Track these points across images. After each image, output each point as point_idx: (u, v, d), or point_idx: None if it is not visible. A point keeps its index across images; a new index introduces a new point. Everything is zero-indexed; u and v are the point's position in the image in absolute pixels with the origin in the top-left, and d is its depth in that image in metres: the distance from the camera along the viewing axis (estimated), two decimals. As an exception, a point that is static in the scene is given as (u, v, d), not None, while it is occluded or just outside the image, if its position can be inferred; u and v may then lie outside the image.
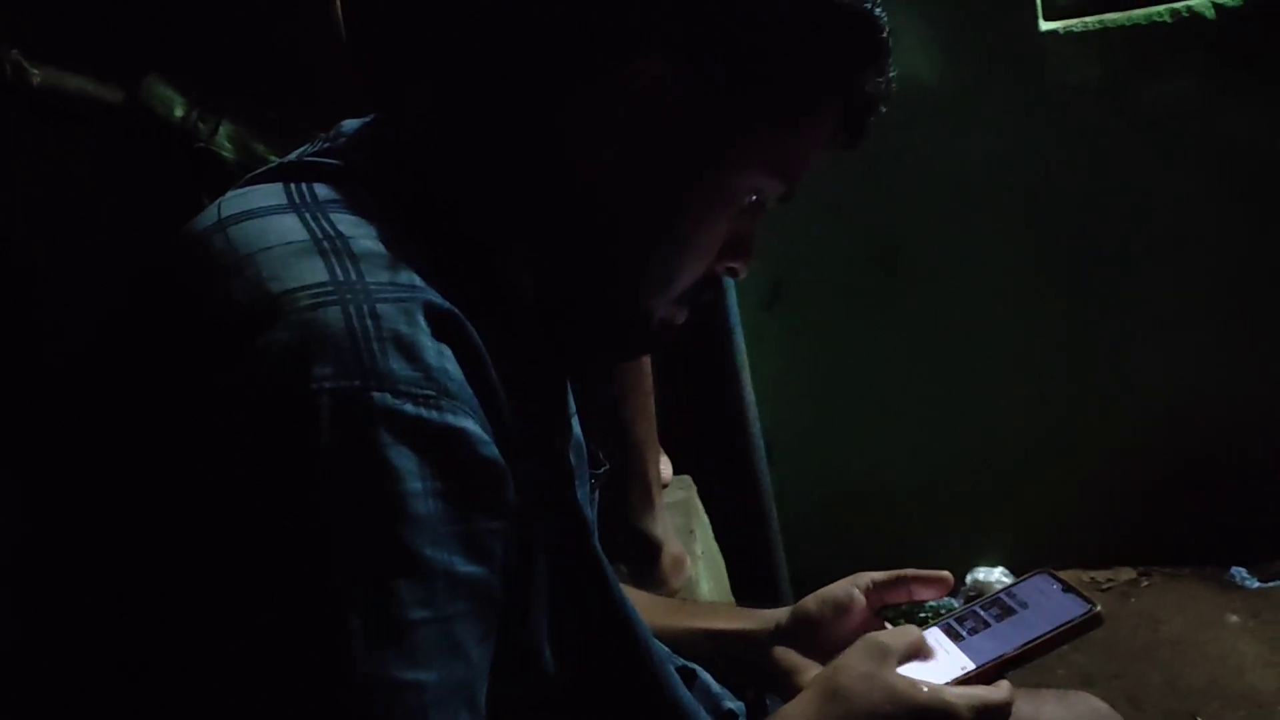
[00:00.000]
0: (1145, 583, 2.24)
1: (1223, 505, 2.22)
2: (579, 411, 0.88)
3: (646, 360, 1.41)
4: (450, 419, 0.58)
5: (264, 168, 0.73)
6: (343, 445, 0.56)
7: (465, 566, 0.58)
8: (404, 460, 0.56)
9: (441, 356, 0.59)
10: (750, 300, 2.10)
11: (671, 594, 1.44)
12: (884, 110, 0.76)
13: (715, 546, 1.84)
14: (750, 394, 2.04)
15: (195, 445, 0.58)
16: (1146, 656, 2.02)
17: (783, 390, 2.20)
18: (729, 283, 1.96)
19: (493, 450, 0.60)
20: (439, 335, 0.60)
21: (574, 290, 0.74)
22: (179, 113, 1.28)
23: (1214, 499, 2.22)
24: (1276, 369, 2.18)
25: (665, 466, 1.75)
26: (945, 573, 0.96)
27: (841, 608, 0.95)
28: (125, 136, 1.28)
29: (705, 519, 1.83)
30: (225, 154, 1.28)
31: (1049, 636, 0.87)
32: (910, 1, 1.98)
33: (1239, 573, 2.21)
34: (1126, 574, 2.26)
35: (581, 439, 0.86)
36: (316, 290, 0.59)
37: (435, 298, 0.61)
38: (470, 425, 0.59)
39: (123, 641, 0.61)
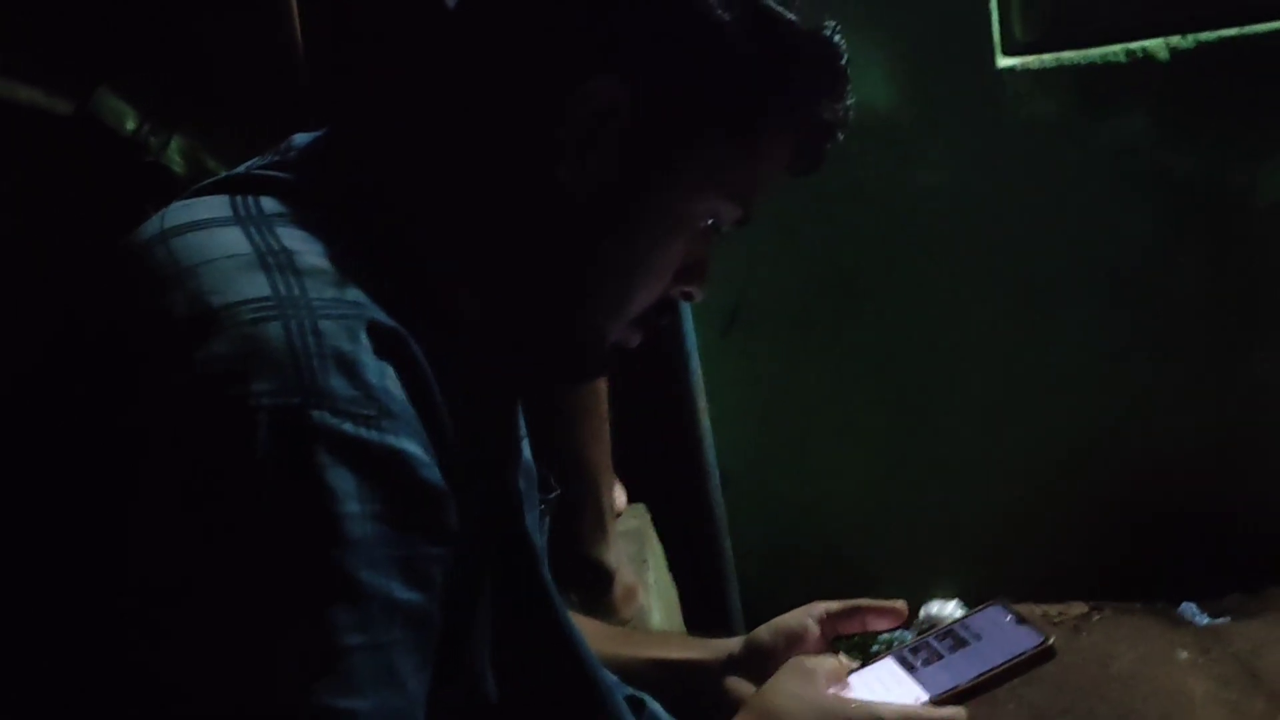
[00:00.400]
0: (1096, 617, 2.25)
1: (1173, 541, 2.24)
2: (531, 436, 0.87)
3: (601, 386, 1.40)
4: (391, 440, 0.57)
5: (210, 179, 0.72)
6: (279, 463, 0.54)
7: (403, 593, 0.57)
8: (342, 481, 0.55)
9: (384, 376, 0.58)
10: (707, 327, 2.10)
11: (623, 623, 1.43)
12: (841, 138, 0.76)
13: (668, 576, 1.83)
14: (706, 422, 2.04)
15: (132, 458, 0.56)
16: (1097, 692, 2.02)
17: (738, 418, 2.19)
18: (685, 309, 1.96)
19: (434, 474, 0.59)
20: (382, 354, 0.59)
21: (526, 313, 0.73)
22: (130, 125, 1.27)
23: (1165, 534, 2.24)
24: (1227, 406, 2.21)
25: (619, 494, 1.74)
26: (899, 603, 0.96)
27: (795, 638, 0.95)
28: (75, 149, 1.26)
29: (659, 548, 1.82)
30: (176, 168, 1.27)
31: (1001, 669, 0.87)
32: (870, 34, 2.00)
33: (1189, 608, 2.23)
34: (1078, 608, 2.27)
35: (532, 463, 0.85)
36: (258, 304, 0.58)
37: (379, 316, 0.60)
38: (411, 447, 0.58)
39: (60, 658, 0.59)
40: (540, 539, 0.84)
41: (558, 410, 1.36)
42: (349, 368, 0.57)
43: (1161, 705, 1.97)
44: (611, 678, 0.87)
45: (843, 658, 0.92)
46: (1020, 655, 0.87)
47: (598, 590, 1.41)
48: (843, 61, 0.74)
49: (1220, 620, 2.19)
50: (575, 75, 0.68)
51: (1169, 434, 2.22)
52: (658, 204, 0.71)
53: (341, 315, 0.59)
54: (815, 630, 0.95)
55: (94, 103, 1.26)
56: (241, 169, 0.73)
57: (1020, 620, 0.92)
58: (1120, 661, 2.10)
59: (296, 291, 0.59)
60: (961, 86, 2.06)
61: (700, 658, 0.98)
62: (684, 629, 1.80)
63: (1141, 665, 2.08)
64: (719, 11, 0.69)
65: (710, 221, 0.74)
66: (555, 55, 0.69)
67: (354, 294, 0.61)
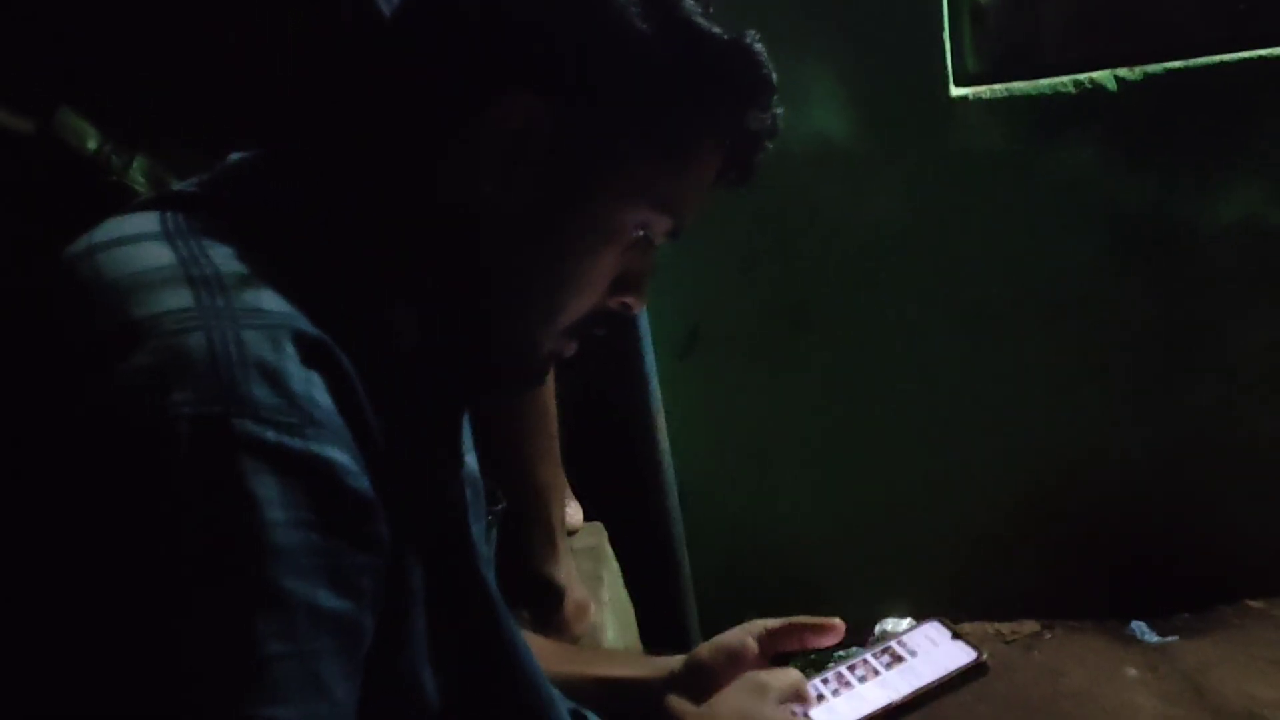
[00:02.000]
0: (1048, 635, 2.28)
1: (1123, 560, 2.27)
2: (478, 453, 0.88)
3: (551, 404, 1.42)
4: (315, 447, 0.57)
5: (141, 198, 0.73)
6: (200, 472, 0.54)
7: (329, 600, 0.57)
8: (265, 489, 0.55)
9: (309, 384, 0.58)
10: (665, 349, 2.12)
11: (574, 640, 1.43)
12: (768, 147, 0.76)
13: (625, 594, 1.83)
14: (665, 441, 2.06)
15: (55, 471, 0.57)
16: (1047, 709, 2.05)
17: (696, 439, 2.21)
18: (645, 330, 1.98)
19: (361, 482, 0.59)
20: (307, 363, 0.59)
21: (459, 323, 0.73)
22: (92, 145, 1.26)
23: (1115, 554, 2.27)
24: (1173, 429, 2.25)
25: (575, 512, 1.75)
26: (836, 620, 0.98)
27: (734, 655, 0.96)
28: (37, 168, 1.26)
29: (615, 565, 1.82)
30: (139, 188, 1.26)
31: (935, 684, 0.89)
32: (824, 63, 2.04)
33: (1139, 627, 2.26)
34: (1030, 627, 2.30)
35: (478, 475, 0.85)
36: (180, 316, 0.58)
37: (304, 325, 0.60)
38: (337, 455, 0.58)
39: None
40: (487, 550, 0.84)
41: (507, 428, 1.37)
42: (272, 376, 0.57)
43: (1109, 721, 2.00)
44: (554, 692, 0.88)
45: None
46: (953, 671, 0.90)
47: (548, 607, 1.42)
48: (765, 70, 0.74)
49: (1169, 639, 2.23)
50: (493, 90, 0.68)
51: (1118, 456, 2.26)
52: (585, 216, 0.71)
53: (264, 325, 0.59)
54: (754, 647, 0.96)
55: (56, 122, 1.26)
56: (176, 187, 0.73)
57: (956, 635, 0.94)
58: (1071, 679, 2.13)
59: (220, 303, 0.59)
60: (914, 116, 2.09)
61: (642, 675, 0.98)
62: (641, 646, 1.81)
63: (1091, 683, 2.11)
64: (638, 24, 0.69)
65: (641, 233, 0.74)
66: (473, 71, 0.69)
67: (280, 304, 0.61)
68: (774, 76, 0.75)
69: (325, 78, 0.83)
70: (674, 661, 0.99)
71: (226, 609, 0.54)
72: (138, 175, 1.26)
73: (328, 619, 0.57)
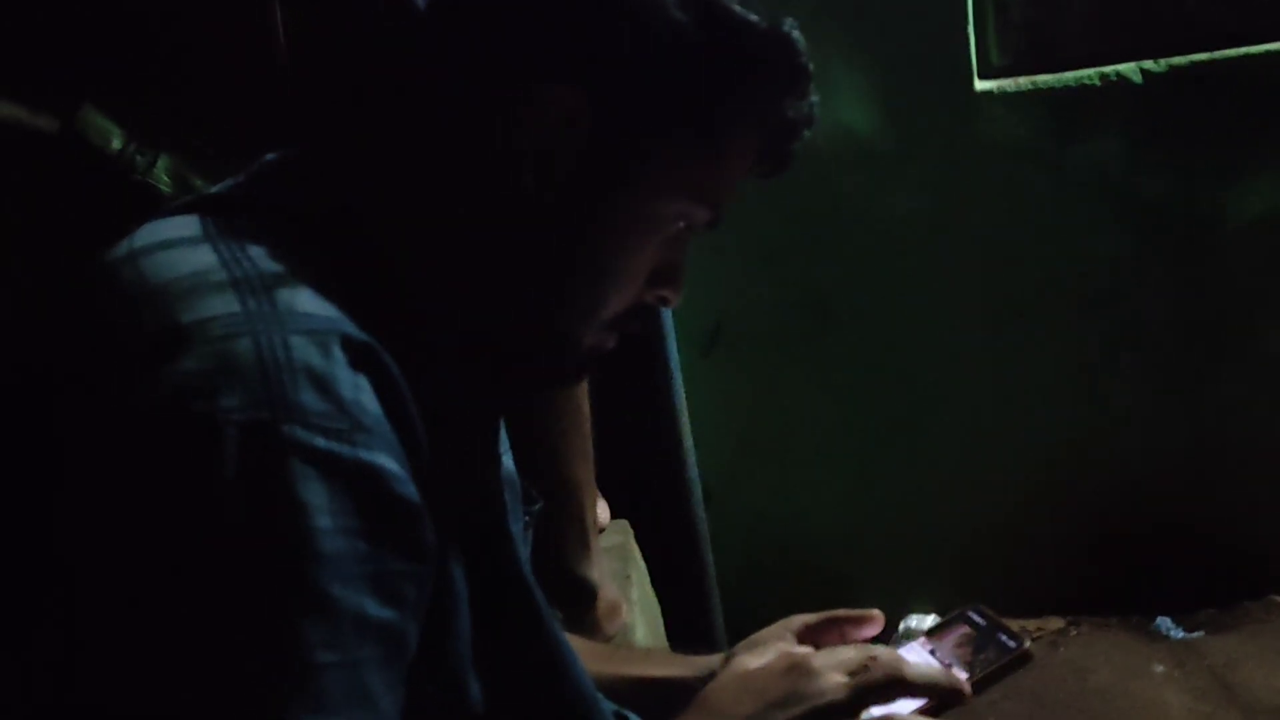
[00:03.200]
0: (1073, 632, 2.26)
1: (1149, 556, 2.26)
2: (514, 452, 0.87)
3: (585, 402, 1.41)
4: (364, 454, 0.56)
5: (181, 200, 0.72)
6: (249, 478, 0.54)
7: (376, 609, 0.56)
8: (313, 495, 0.54)
9: (357, 390, 0.58)
10: (689, 346, 2.11)
11: (606, 640, 1.43)
12: (806, 136, 0.75)
13: (651, 592, 1.82)
14: (688, 439, 2.04)
15: (102, 476, 0.56)
16: (1074, 706, 2.04)
17: (720, 435, 2.21)
18: (669, 327, 1.97)
19: (409, 489, 0.59)
20: (355, 368, 0.58)
21: (500, 319, 0.72)
22: (116, 144, 1.26)
23: (1140, 549, 2.26)
24: (1199, 423, 2.23)
25: (602, 510, 1.74)
26: (875, 611, 0.96)
27: (775, 649, 0.94)
28: (61, 168, 1.26)
29: (642, 564, 1.82)
30: (163, 187, 1.26)
31: (980, 676, 0.87)
32: (850, 58, 2.03)
33: (1164, 623, 2.25)
34: (1055, 623, 2.29)
35: (515, 476, 0.85)
36: (227, 321, 0.57)
37: (351, 330, 0.60)
38: (385, 462, 0.58)
39: (24, 676, 0.58)
40: (525, 550, 0.84)
41: (543, 429, 1.36)
42: (320, 382, 0.56)
43: (1138, 718, 1.99)
44: (596, 691, 0.87)
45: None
46: (999, 663, 0.88)
47: (581, 607, 1.41)
48: (802, 59, 0.73)
49: (1195, 634, 2.21)
50: (532, 83, 0.68)
51: (1143, 451, 2.24)
52: (625, 208, 0.70)
53: (312, 329, 0.58)
54: (794, 640, 0.95)
55: (79, 121, 1.25)
56: (214, 189, 0.73)
57: (996, 625, 0.92)
58: (1097, 676, 2.12)
59: (267, 307, 0.58)
60: (938, 110, 2.08)
61: (682, 675, 0.97)
62: (668, 645, 1.80)
63: (1118, 679, 2.10)
64: (675, 13, 0.68)
65: (681, 224, 0.73)
66: (511, 64, 0.68)
67: (325, 309, 0.60)
68: (810, 65, 0.74)
69: (359, 73, 0.82)
70: (713, 661, 0.98)
71: (274, 616, 0.54)
72: (161, 174, 1.26)
73: (374, 628, 0.57)
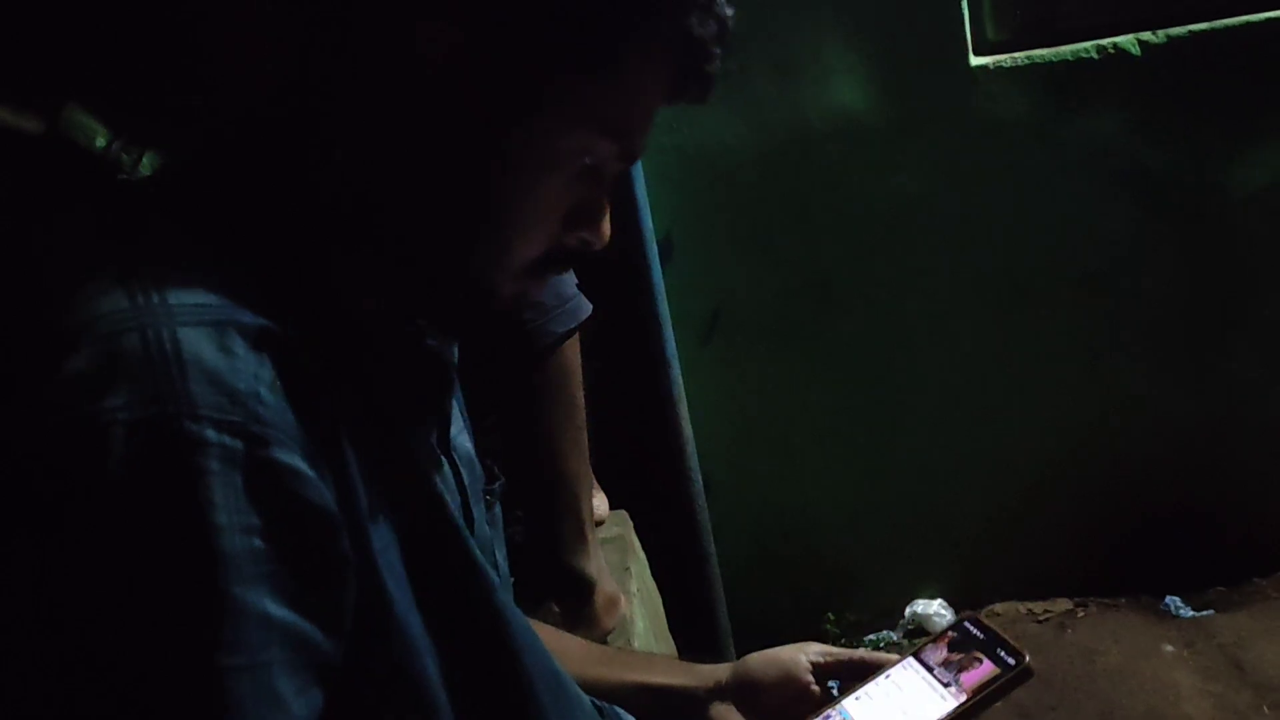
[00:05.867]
0: (1082, 614, 2.25)
1: (1156, 536, 2.24)
2: (507, 446, 0.85)
3: (579, 394, 1.39)
4: (260, 449, 0.54)
5: (90, 188, 0.70)
6: (139, 479, 0.52)
7: (279, 611, 0.54)
8: (207, 492, 0.52)
9: (256, 380, 0.55)
10: (687, 334, 2.09)
11: (605, 634, 1.41)
12: (718, 54, 0.68)
13: (652, 584, 1.81)
14: (688, 428, 2.03)
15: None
16: (1084, 688, 2.02)
17: (720, 424, 2.19)
18: (665, 315, 1.95)
19: (312, 488, 0.56)
20: (253, 357, 0.56)
21: (411, 273, 0.68)
22: (101, 143, 1.24)
23: (1148, 529, 2.24)
24: (1207, 401, 2.21)
25: (601, 502, 1.72)
26: (895, 657, 0.93)
27: (787, 673, 0.93)
28: (45, 167, 1.24)
29: (642, 555, 1.80)
30: (148, 186, 1.25)
31: (977, 699, 0.84)
32: (842, 35, 2.00)
33: (1173, 602, 2.23)
34: (1063, 605, 2.27)
35: (473, 455, 0.82)
36: (114, 317, 0.55)
37: (246, 317, 0.57)
38: (284, 456, 0.55)
39: None
40: (490, 531, 0.81)
41: (535, 421, 1.35)
42: (212, 374, 0.54)
43: (1148, 699, 1.97)
44: (578, 690, 0.83)
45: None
46: (998, 680, 0.84)
47: (578, 600, 1.40)
48: None
49: (1204, 613, 2.20)
50: (401, 24, 0.63)
51: (1150, 430, 2.22)
52: (520, 147, 0.65)
53: (203, 320, 0.56)
54: (808, 667, 0.93)
55: (64, 120, 1.24)
56: (118, 177, 0.70)
57: (995, 637, 0.88)
58: (1106, 657, 2.10)
59: (155, 299, 0.56)
60: (934, 87, 2.05)
61: (686, 684, 0.95)
62: (669, 638, 1.79)
63: (1127, 660, 2.08)
64: None
65: (588, 160, 0.67)
66: (382, 7, 0.64)
67: (218, 298, 0.57)
68: None
69: (243, 33, 0.78)
70: (720, 671, 0.96)
71: (175, 621, 0.52)
72: (147, 172, 1.24)
73: (278, 629, 0.54)
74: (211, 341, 0.55)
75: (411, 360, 0.72)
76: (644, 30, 0.65)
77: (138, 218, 0.64)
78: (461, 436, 0.80)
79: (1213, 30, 2.01)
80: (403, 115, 0.65)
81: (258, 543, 0.53)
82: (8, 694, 0.53)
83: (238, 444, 0.53)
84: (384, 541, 0.63)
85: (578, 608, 1.39)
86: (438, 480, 0.73)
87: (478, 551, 0.71)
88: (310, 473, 0.56)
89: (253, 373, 0.55)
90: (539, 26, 0.63)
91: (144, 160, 1.27)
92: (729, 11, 0.68)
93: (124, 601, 0.51)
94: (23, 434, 0.53)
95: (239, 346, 0.56)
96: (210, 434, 0.53)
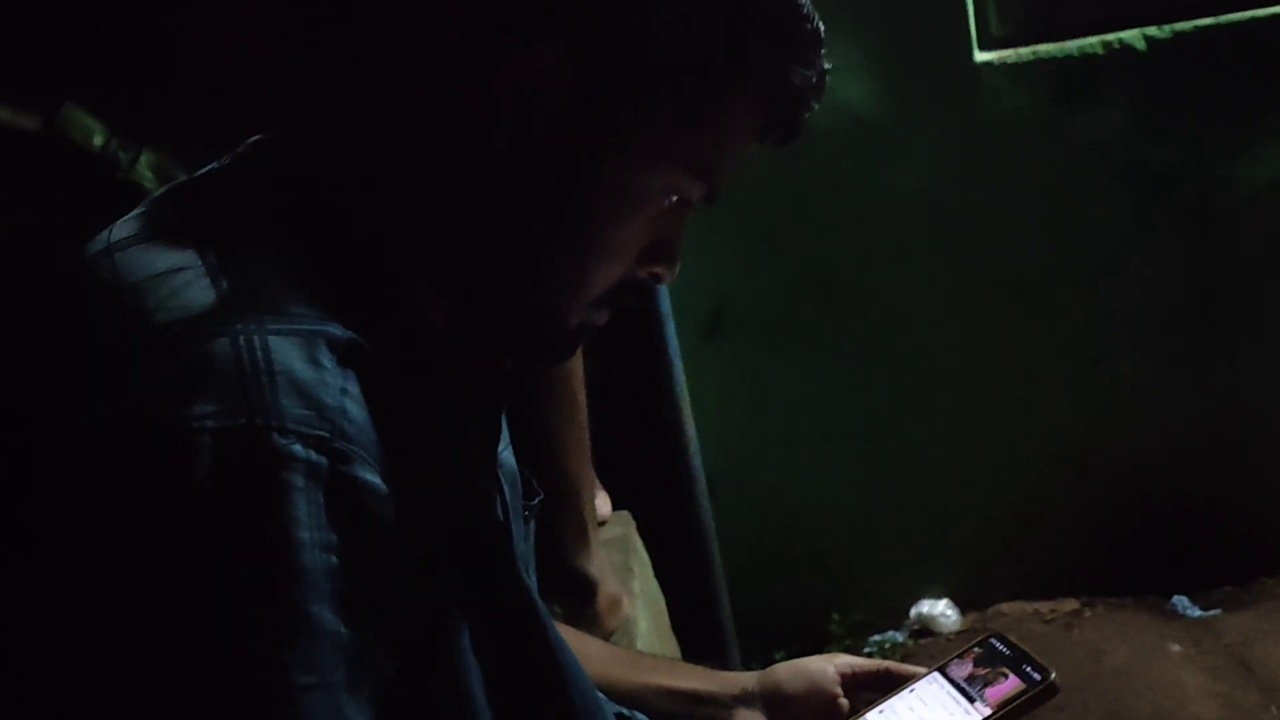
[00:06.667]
0: (1088, 613, 2.24)
1: (1163, 535, 2.23)
2: (511, 443, 0.84)
3: (581, 393, 1.38)
4: (343, 466, 0.54)
5: (161, 190, 0.69)
6: (225, 490, 0.51)
7: (350, 629, 0.54)
8: (291, 507, 0.52)
9: (342, 395, 0.55)
10: (690, 331, 2.08)
11: (607, 635, 1.40)
12: (815, 106, 0.70)
13: (655, 584, 1.80)
14: (691, 426, 2.02)
15: (74, 489, 0.53)
16: (1091, 687, 2.01)
17: (724, 422, 2.18)
18: (668, 312, 1.94)
19: (388, 507, 0.56)
20: (340, 372, 0.55)
21: (485, 298, 0.69)
22: (98, 141, 1.24)
23: (1154, 529, 2.23)
24: (1212, 398, 2.20)
25: (603, 502, 1.71)
26: (920, 670, 0.92)
27: (814, 684, 0.93)
28: (43, 166, 1.24)
29: (644, 556, 1.79)
30: (147, 184, 1.24)
31: (1002, 715, 0.83)
32: (846, 31, 1.99)
33: (1180, 601, 2.22)
34: (1070, 605, 2.26)
35: (516, 469, 0.82)
36: (204, 321, 0.55)
37: (336, 330, 0.56)
38: (366, 475, 0.55)
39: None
40: (526, 548, 0.81)
41: (538, 421, 1.33)
42: (300, 386, 0.53)
43: (1155, 699, 1.96)
44: (598, 696, 0.84)
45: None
46: (1022, 697, 0.84)
47: (581, 601, 1.39)
48: (811, 22, 0.67)
49: (1211, 613, 2.18)
50: (508, 45, 0.63)
51: (1155, 428, 2.21)
52: (611, 180, 0.65)
53: (293, 330, 0.55)
54: (836, 679, 0.92)
55: (61, 118, 1.24)
56: (196, 175, 0.69)
57: (1019, 654, 0.88)
58: (1113, 656, 2.09)
59: (246, 305, 0.56)
60: (939, 83, 2.05)
61: (710, 690, 0.95)
62: (673, 638, 1.78)
63: (1134, 660, 2.07)
64: None
65: (673, 199, 0.67)
66: (483, 26, 0.63)
67: (307, 308, 0.57)
68: (822, 28, 0.68)
69: (334, 48, 0.78)
70: (746, 679, 0.95)
71: (254, 636, 0.51)
72: (145, 170, 1.24)
73: (347, 648, 0.54)
74: (301, 353, 0.55)
75: (474, 379, 0.71)
76: (754, 76, 0.66)
77: (215, 215, 0.63)
78: (507, 452, 0.80)
79: (1219, 25, 2.01)
80: (493, 139, 0.64)
81: (334, 560, 0.53)
82: (75, 701, 0.52)
83: (323, 460, 0.53)
84: (443, 562, 0.62)
85: (580, 608, 1.38)
86: (497, 501, 0.73)
87: (525, 573, 0.71)
88: (386, 490, 0.55)
89: (340, 387, 0.55)
90: (647, 60, 0.63)
91: (141, 158, 1.26)
92: (828, 65, 0.69)
93: (201, 613, 0.51)
94: (103, 435, 0.53)
95: (327, 359, 0.55)
96: (298, 449, 0.52)
